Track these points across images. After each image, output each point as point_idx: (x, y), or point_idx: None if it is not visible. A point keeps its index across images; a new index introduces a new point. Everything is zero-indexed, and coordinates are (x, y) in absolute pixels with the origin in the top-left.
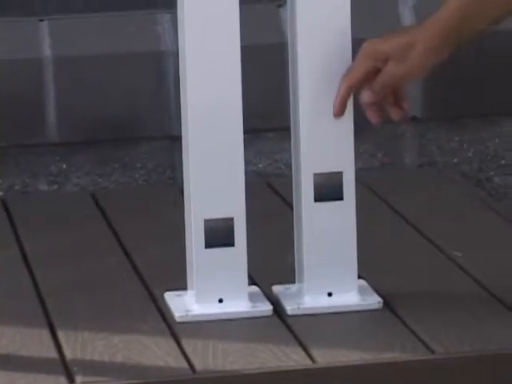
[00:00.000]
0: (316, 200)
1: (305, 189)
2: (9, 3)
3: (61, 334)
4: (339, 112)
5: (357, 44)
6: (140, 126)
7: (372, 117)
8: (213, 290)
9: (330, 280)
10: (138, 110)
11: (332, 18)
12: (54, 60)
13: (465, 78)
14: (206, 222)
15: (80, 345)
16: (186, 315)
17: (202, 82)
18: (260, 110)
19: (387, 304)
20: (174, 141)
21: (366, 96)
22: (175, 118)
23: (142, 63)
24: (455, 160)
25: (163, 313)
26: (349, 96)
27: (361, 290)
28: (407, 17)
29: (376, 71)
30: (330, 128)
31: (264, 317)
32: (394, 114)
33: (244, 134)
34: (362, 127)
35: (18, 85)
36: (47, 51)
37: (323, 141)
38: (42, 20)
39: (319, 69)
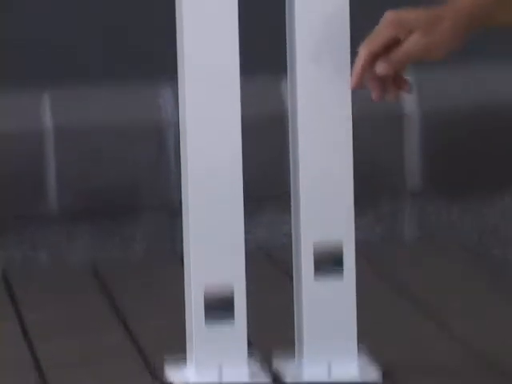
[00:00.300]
0: (316, 270)
1: (305, 259)
2: (11, 75)
3: None
4: (357, 83)
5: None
6: (140, 196)
7: (375, 89)
8: (212, 362)
9: (330, 353)
10: (139, 181)
11: (332, 88)
12: (55, 131)
13: (464, 151)
14: (206, 294)
15: None
16: None
17: (203, 151)
18: (260, 179)
19: (387, 376)
20: (174, 212)
21: (381, 67)
22: (175, 189)
23: (143, 134)
24: (455, 233)
25: None
26: (368, 64)
27: (361, 362)
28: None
29: (395, 42)
30: (330, 197)
31: None
32: (392, 94)
33: (244, 203)
34: (362, 200)
35: (19, 156)
36: (48, 122)
37: (323, 209)
38: (42, 92)
39: (319, 138)
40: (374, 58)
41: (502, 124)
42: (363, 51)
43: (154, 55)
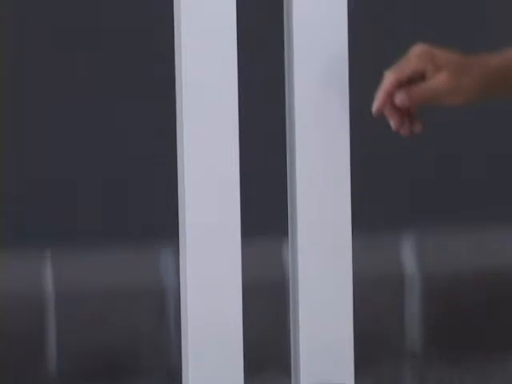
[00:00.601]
0: None
1: None
2: (11, 235)
3: None
4: (379, 107)
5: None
6: (140, 360)
7: (393, 117)
8: None
9: None
10: (139, 345)
11: (332, 220)
12: (56, 295)
13: (466, 313)
14: None
15: None
16: None
17: (203, 317)
18: (261, 346)
19: None
20: (173, 376)
21: (401, 97)
22: (175, 353)
23: (144, 298)
24: None
25: None
26: (391, 91)
27: None
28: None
29: (421, 76)
30: (330, 364)
31: None
32: (406, 128)
33: (244, 367)
34: (361, 362)
35: (19, 318)
36: (49, 286)
37: (323, 376)
38: (43, 253)
39: (320, 307)
40: (398, 85)
41: (504, 287)
42: (390, 76)
43: (155, 216)
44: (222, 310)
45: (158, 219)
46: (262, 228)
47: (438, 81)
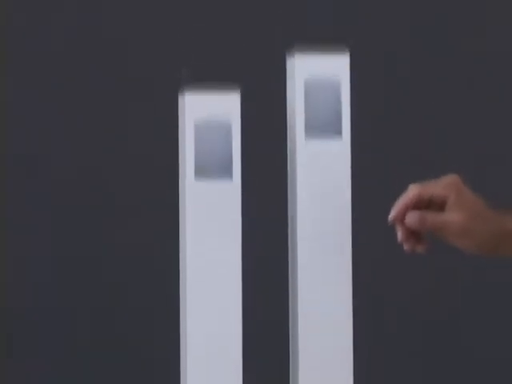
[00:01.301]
0: None
1: None
2: None
3: None
4: (397, 216)
5: None
6: None
7: (403, 237)
8: None
9: None
10: None
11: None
12: None
13: None
14: None
15: None
16: None
17: None
18: None
19: None
20: None
21: (413, 218)
22: None
23: None
24: None
25: None
26: (411, 205)
27: None
28: None
29: (441, 205)
30: None
31: None
32: (410, 246)
33: None
34: None
35: None
36: None
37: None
38: None
39: None
40: (416, 204)
41: None
42: (415, 189)
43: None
44: None
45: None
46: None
47: (455, 218)
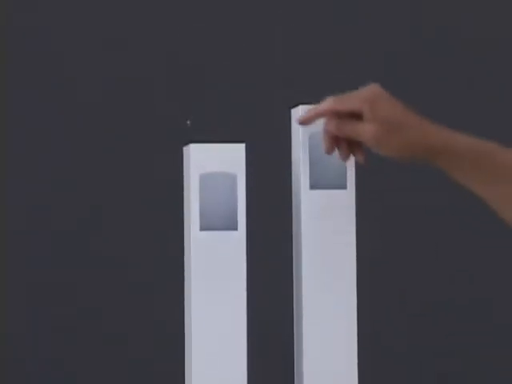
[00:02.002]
0: None
1: None
2: None
3: None
4: (304, 120)
5: None
6: None
7: (325, 143)
8: None
9: None
10: None
11: None
12: None
13: None
14: None
15: None
16: None
17: None
18: None
19: None
20: None
21: (331, 126)
22: None
23: None
24: None
25: None
26: (323, 116)
27: None
28: None
29: (360, 116)
30: None
31: None
32: (343, 153)
33: None
34: None
35: None
36: None
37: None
38: None
39: None
40: (334, 116)
41: None
42: (329, 105)
43: None
44: None
45: None
46: None
47: (365, 131)
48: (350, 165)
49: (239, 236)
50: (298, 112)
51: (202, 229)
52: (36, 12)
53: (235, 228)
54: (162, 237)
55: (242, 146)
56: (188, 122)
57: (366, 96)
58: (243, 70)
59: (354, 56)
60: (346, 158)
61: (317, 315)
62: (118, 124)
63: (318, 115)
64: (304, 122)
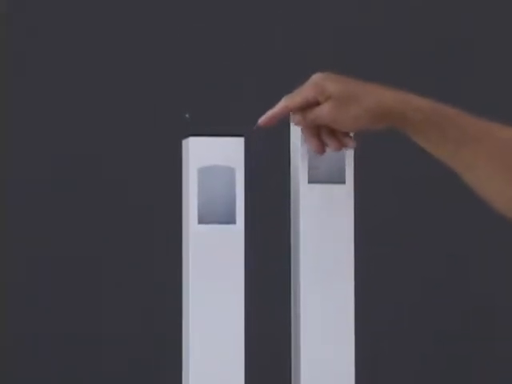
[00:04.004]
0: None
1: None
2: None
3: None
4: (265, 122)
5: None
6: None
7: (310, 144)
8: None
9: None
10: None
11: None
12: None
13: None
14: None
15: None
16: None
17: None
18: None
19: None
20: None
21: (296, 119)
22: None
23: None
24: None
25: None
26: (282, 115)
27: None
28: None
29: (316, 103)
30: None
31: None
32: (331, 144)
33: None
34: None
35: None
36: None
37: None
38: None
39: None
40: (291, 112)
41: None
42: (282, 104)
43: None
44: None
45: None
46: None
47: (321, 111)
48: (349, 159)
49: (238, 230)
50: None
51: (201, 222)
52: (36, 12)
53: (234, 222)
54: (160, 230)
55: (241, 139)
56: (187, 116)
57: (313, 82)
58: (243, 63)
59: (354, 56)
60: (336, 148)
61: (314, 309)
62: (116, 117)
63: (274, 116)
64: (264, 124)
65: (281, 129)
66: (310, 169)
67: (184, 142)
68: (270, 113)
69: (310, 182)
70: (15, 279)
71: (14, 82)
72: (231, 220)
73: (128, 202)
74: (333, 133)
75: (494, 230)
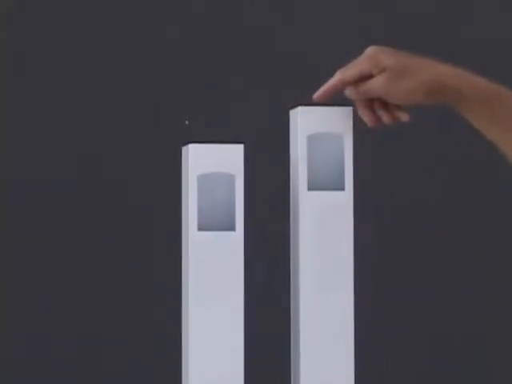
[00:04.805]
0: None
1: None
2: None
3: None
4: (321, 97)
5: None
6: None
7: (363, 116)
8: None
9: None
10: None
11: None
12: None
13: None
14: None
15: None
16: None
17: None
18: None
19: None
20: None
21: (349, 92)
22: None
23: None
24: None
25: None
26: (337, 88)
27: None
28: None
29: (370, 76)
30: None
31: None
32: (385, 118)
33: None
34: None
35: None
36: None
37: None
38: None
39: None
40: (346, 85)
41: None
42: (337, 77)
43: None
44: None
45: None
46: None
47: (375, 83)
48: (349, 166)
49: (237, 236)
50: (297, 113)
51: (200, 229)
52: (36, 12)
53: (233, 228)
54: (160, 237)
55: (241, 146)
56: (186, 122)
57: (367, 55)
58: (242, 70)
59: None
60: (389, 121)
61: (314, 316)
62: (116, 124)
63: (330, 89)
64: (319, 98)
65: (280, 135)
66: (310, 176)
67: (184, 148)
68: (325, 87)
69: (309, 188)
70: (15, 279)
71: (14, 82)
72: (231, 227)
73: (128, 208)
74: (386, 106)
75: (493, 235)
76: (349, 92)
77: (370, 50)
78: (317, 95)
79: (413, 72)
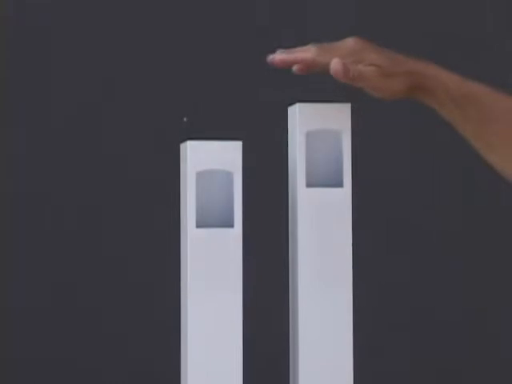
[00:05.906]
0: None
1: None
2: None
3: None
4: (279, 63)
5: None
6: None
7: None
8: None
9: None
10: None
11: None
12: None
13: None
14: None
15: None
16: None
17: None
18: None
19: None
20: None
21: (339, 65)
22: None
23: None
24: None
25: None
26: (304, 65)
27: None
28: None
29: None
30: None
31: None
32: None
33: None
34: None
35: None
36: None
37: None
38: None
39: None
40: (315, 67)
41: None
42: (310, 54)
43: None
44: None
45: None
46: None
47: (369, 75)
48: (347, 163)
49: (236, 233)
50: (296, 109)
51: (199, 226)
52: (36, 12)
53: (232, 225)
54: (158, 234)
55: (239, 143)
56: (185, 119)
57: (351, 48)
58: (240, 67)
59: None
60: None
61: (313, 313)
62: (115, 121)
63: (295, 61)
64: (277, 63)
65: (279, 132)
66: (308, 173)
67: (182, 145)
68: (291, 55)
69: (307, 185)
70: (15, 279)
71: (14, 82)
72: (229, 224)
73: (126, 205)
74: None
75: (493, 236)
76: (339, 65)
77: (352, 43)
78: (277, 59)
79: (399, 71)
